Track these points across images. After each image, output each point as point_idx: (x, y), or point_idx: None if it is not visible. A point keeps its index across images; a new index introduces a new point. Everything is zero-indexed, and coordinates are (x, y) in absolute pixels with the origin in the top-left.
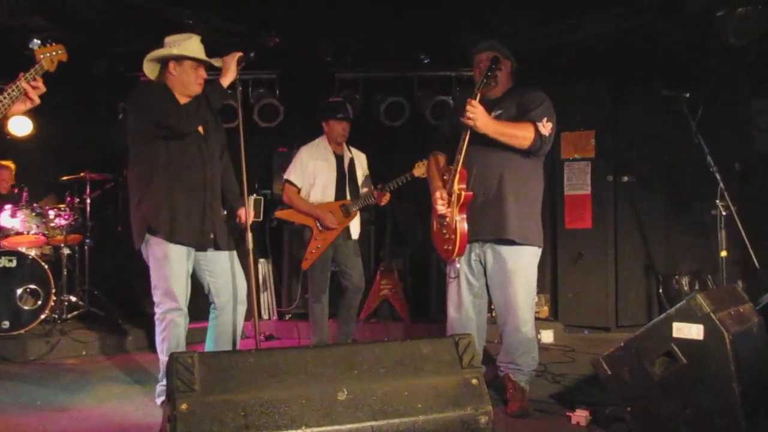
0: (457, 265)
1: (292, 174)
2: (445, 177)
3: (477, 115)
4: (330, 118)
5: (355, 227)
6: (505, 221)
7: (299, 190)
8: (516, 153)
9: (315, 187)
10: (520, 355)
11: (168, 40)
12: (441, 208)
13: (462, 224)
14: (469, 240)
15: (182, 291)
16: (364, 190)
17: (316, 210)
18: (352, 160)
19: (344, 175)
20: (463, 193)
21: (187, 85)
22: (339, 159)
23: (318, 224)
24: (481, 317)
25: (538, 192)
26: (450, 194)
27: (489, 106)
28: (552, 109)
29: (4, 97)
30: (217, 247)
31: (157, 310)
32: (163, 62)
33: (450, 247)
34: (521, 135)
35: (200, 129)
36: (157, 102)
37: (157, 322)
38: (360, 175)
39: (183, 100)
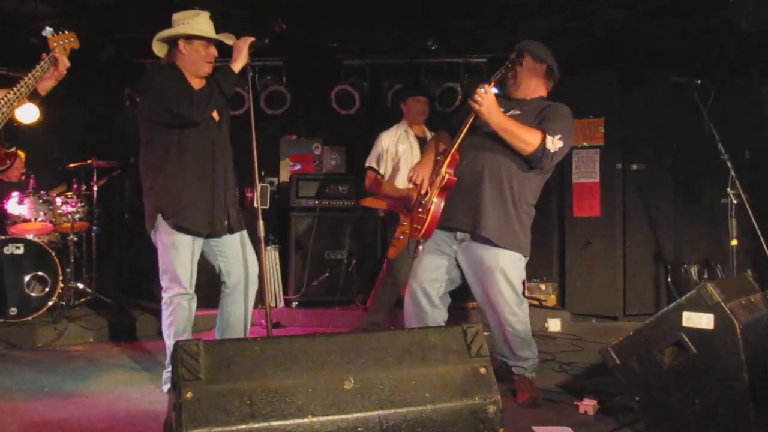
0: (420, 247)
1: (373, 159)
2: (439, 158)
3: (484, 101)
4: (407, 96)
5: None
6: (480, 216)
7: (382, 177)
8: (517, 159)
9: (400, 172)
10: (515, 349)
11: (176, 17)
12: (417, 178)
13: (437, 208)
14: (443, 226)
15: (189, 276)
16: None
17: (404, 192)
18: None
19: None
20: (447, 176)
21: (197, 64)
22: (422, 142)
23: (407, 210)
24: (436, 311)
25: (527, 200)
26: (436, 175)
27: (510, 104)
28: (571, 132)
29: (37, 70)
30: (231, 231)
31: (164, 295)
32: (173, 41)
33: (419, 227)
34: (524, 138)
35: (215, 115)
36: (168, 88)
37: (163, 307)
38: None
39: (193, 80)
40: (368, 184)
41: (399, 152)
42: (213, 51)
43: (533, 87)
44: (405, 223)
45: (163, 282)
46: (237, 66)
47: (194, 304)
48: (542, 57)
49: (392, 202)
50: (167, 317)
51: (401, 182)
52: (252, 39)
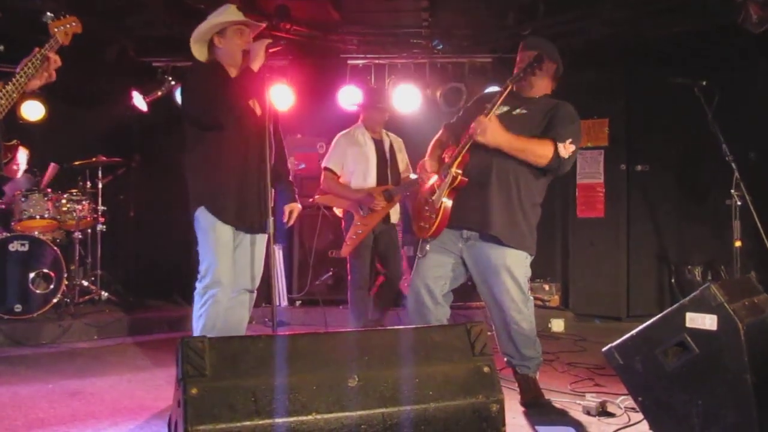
0: (427, 247)
1: (331, 160)
2: (444, 157)
3: (487, 132)
4: (368, 106)
5: (394, 211)
6: (488, 215)
7: (338, 178)
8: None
9: (355, 173)
10: (520, 348)
11: (207, 19)
12: (427, 172)
13: (447, 207)
14: (452, 225)
15: (227, 267)
16: (404, 175)
17: (357, 194)
18: (391, 145)
19: (385, 160)
20: (459, 177)
21: (234, 54)
22: (378, 143)
23: (361, 210)
24: (439, 309)
25: (534, 198)
26: (445, 174)
27: (516, 102)
28: (579, 131)
29: (28, 67)
30: (262, 231)
31: (198, 285)
32: (209, 40)
33: (426, 226)
34: (537, 152)
35: (257, 109)
36: (194, 94)
37: (196, 297)
38: (399, 159)
39: (234, 71)
40: (324, 184)
41: (355, 153)
42: (247, 37)
43: (543, 87)
44: (359, 223)
45: (200, 270)
46: (255, 66)
47: (230, 301)
48: (554, 58)
49: (347, 202)
50: (198, 309)
51: (358, 182)
52: (268, 41)
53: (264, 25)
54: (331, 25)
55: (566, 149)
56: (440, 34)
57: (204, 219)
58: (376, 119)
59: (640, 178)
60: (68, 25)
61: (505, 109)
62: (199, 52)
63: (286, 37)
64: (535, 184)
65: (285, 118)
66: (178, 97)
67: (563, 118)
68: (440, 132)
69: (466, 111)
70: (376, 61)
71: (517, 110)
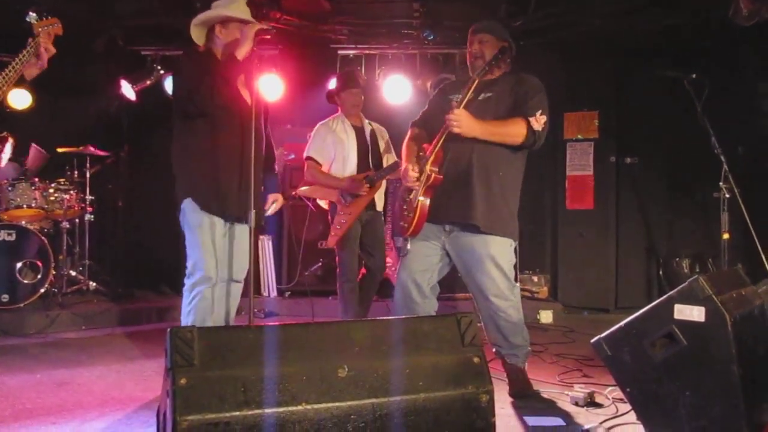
0: (408, 246)
1: (312, 150)
2: (420, 154)
3: (462, 123)
4: (341, 90)
5: (378, 198)
6: (470, 206)
7: (321, 167)
8: (501, 145)
9: (336, 161)
10: (508, 336)
11: (214, 4)
12: (412, 177)
13: (424, 205)
14: (433, 220)
15: (213, 261)
16: (389, 162)
17: (341, 181)
18: (372, 131)
19: (366, 146)
20: (433, 175)
21: (231, 47)
22: (358, 130)
23: (342, 198)
24: (427, 302)
25: (514, 183)
26: (421, 172)
27: (481, 87)
28: (545, 99)
29: (24, 55)
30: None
31: (186, 281)
32: (210, 26)
33: (405, 225)
34: (512, 133)
35: (248, 99)
36: (184, 81)
37: (185, 293)
38: (382, 146)
39: None
40: (308, 174)
41: (336, 140)
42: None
43: (502, 68)
44: (342, 212)
45: (187, 266)
46: (241, 52)
47: (218, 291)
48: (512, 42)
49: (331, 192)
50: (186, 305)
51: (339, 170)
52: (259, 26)
53: (265, 26)
54: (321, 15)
55: (538, 122)
56: (431, 25)
57: (191, 212)
58: (351, 102)
59: (629, 171)
60: (51, 26)
61: (471, 96)
62: (197, 35)
63: (276, 27)
64: (515, 167)
65: (275, 108)
66: (167, 86)
67: (528, 92)
68: (409, 132)
69: (430, 104)
70: (367, 52)
71: (482, 95)
